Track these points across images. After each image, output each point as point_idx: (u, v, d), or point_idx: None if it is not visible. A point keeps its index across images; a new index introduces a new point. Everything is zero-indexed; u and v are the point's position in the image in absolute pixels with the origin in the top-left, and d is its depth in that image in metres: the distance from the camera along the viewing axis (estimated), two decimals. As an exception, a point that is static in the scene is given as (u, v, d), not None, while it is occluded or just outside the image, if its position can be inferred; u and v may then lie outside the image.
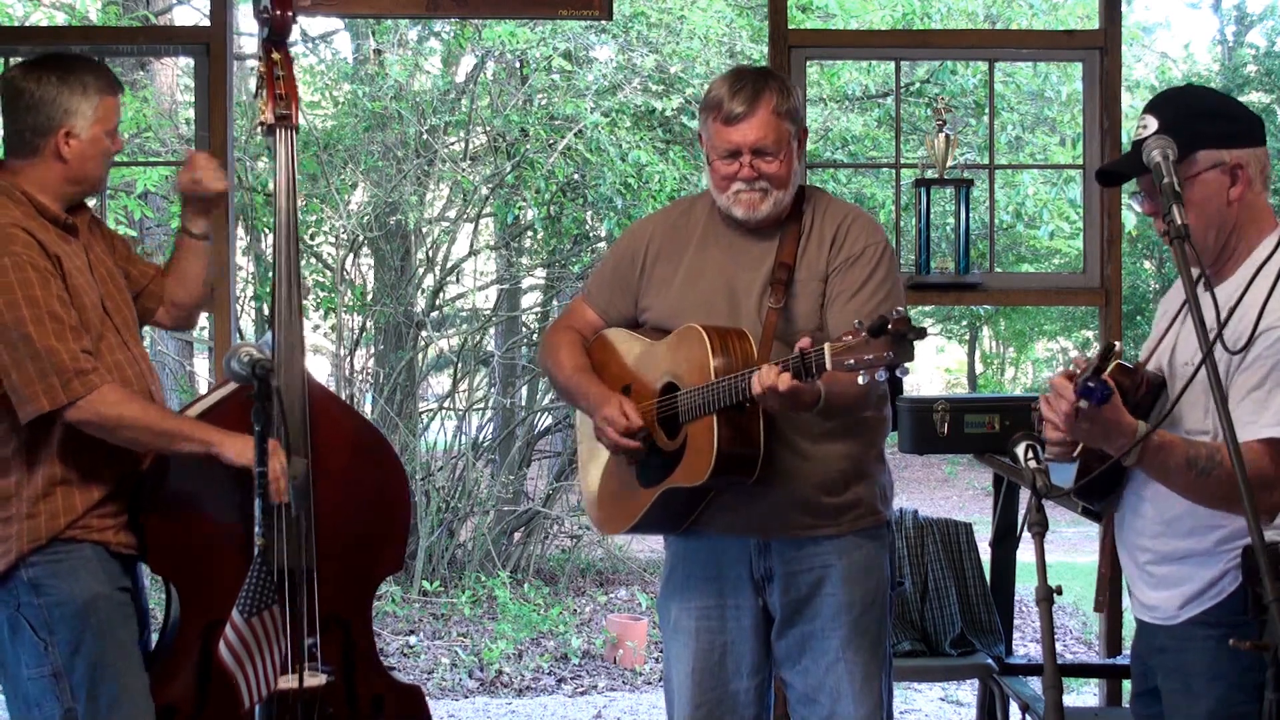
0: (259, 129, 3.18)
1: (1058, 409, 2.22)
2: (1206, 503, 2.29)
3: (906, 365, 2.36)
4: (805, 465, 2.78)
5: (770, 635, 2.91)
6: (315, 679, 2.90)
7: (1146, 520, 2.43)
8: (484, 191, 9.10)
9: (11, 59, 4.38)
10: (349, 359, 9.05)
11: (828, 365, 2.39)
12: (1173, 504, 2.37)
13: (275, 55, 3.13)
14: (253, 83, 3.20)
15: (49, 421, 2.72)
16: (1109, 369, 2.21)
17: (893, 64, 5.91)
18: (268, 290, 8.50)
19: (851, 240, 2.83)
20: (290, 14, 3.16)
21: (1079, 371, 2.20)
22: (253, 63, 3.22)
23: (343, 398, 8.73)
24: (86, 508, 2.79)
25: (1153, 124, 2.36)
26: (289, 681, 2.82)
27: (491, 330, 9.78)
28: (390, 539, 3.12)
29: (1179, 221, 2.04)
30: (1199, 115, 2.37)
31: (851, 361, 2.36)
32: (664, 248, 2.95)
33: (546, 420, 9.68)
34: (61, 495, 2.77)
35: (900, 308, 2.38)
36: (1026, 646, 6.88)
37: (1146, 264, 14.04)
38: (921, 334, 2.33)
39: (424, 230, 9.07)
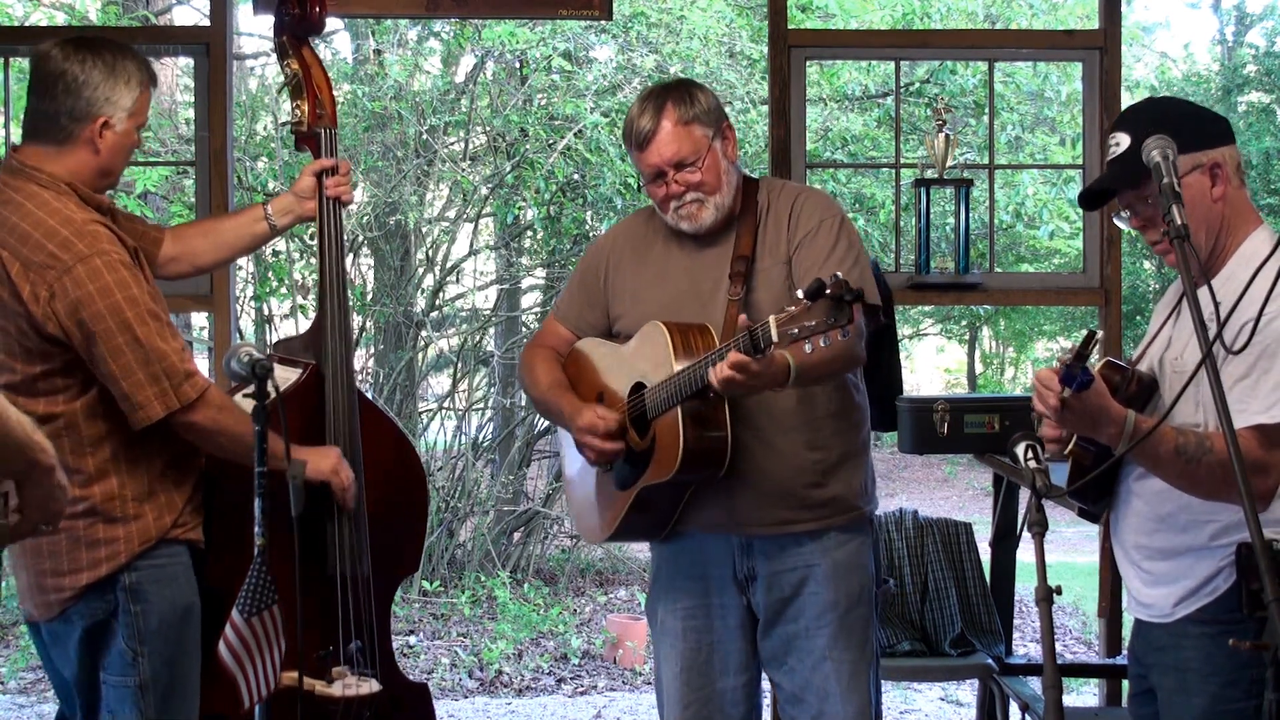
0: (300, 128, 3.06)
1: (1046, 402, 2.23)
2: (1198, 491, 2.30)
3: (848, 328, 2.33)
4: (779, 457, 2.79)
5: (756, 634, 2.92)
6: (368, 685, 2.89)
7: (1140, 517, 2.44)
8: (484, 191, 9.10)
9: (12, 59, 4.38)
10: (349, 359, 9.03)
11: (774, 337, 2.38)
12: (1166, 500, 2.38)
13: (306, 54, 3.08)
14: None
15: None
16: (1099, 363, 2.22)
17: (892, 64, 5.92)
18: (268, 291, 8.52)
19: (807, 216, 2.84)
20: (322, 9, 3.08)
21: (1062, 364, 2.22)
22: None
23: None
24: (184, 501, 2.70)
25: (1125, 140, 2.39)
26: (343, 689, 2.82)
27: (491, 330, 9.78)
28: (413, 539, 3.16)
29: (1179, 221, 2.03)
30: (1168, 123, 2.36)
31: (795, 330, 2.34)
32: (627, 256, 2.97)
33: (546, 420, 9.68)
34: (163, 492, 2.67)
35: (838, 273, 2.36)
36: (1026, 646, 6.88)
37: (1146, 264, 14.04)
38: (858, 296, 2.32)
39: (424, 230, 9.07)
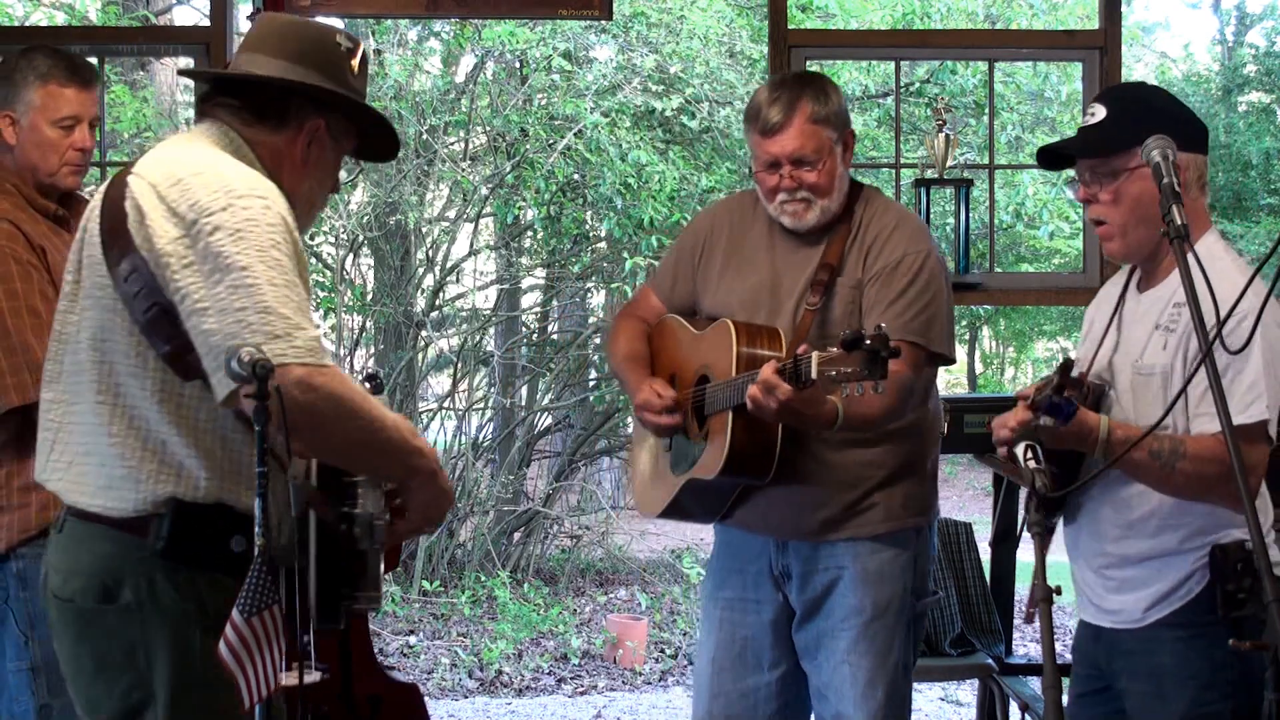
0: None
1: (1013, 419, 2.28)
2: (1175, 495, 2.31)
3: (881, 383, 2.32)
4: (825, 473, 2.77)
5: (791, 629, 2.92)
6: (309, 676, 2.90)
7: (1107, 525, 2.44)
8: (484, 191, 9.10)
9: (11, 59, 4.38)
10: (349, 359, 9.04)
11: (813, 374, 2.37)
12: (1135, 506, 2.38)
13: None
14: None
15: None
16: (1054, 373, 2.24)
17: (893, 64, 5.92)
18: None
19: (890, 249, 2.78)
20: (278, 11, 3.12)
21: (1036, 392, 2.24)
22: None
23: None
24: None
25: (1101, 112, 2.41)
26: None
27: (491, 330, 9.77)
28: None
29: (1179, 221, 2.03)
30: (1146, 112, 2.40)
31: (834, 373, 2.33)
32: (723, 240, 2.96)
33: (546, 420, 9.68)
34: None
35: (883, 324, 2.34)
36: (1026, 646, 6.88)
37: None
38: (895, 354, 2.31)
39: (424, 230, 9.06)
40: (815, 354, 2.37)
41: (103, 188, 2.12)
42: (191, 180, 1.99)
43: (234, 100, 2.15)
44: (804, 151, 2.74)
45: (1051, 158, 2.56)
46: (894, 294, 2.73)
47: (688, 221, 3.34)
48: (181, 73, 2.38)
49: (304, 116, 2.15)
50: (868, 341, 2.28)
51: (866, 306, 2.76)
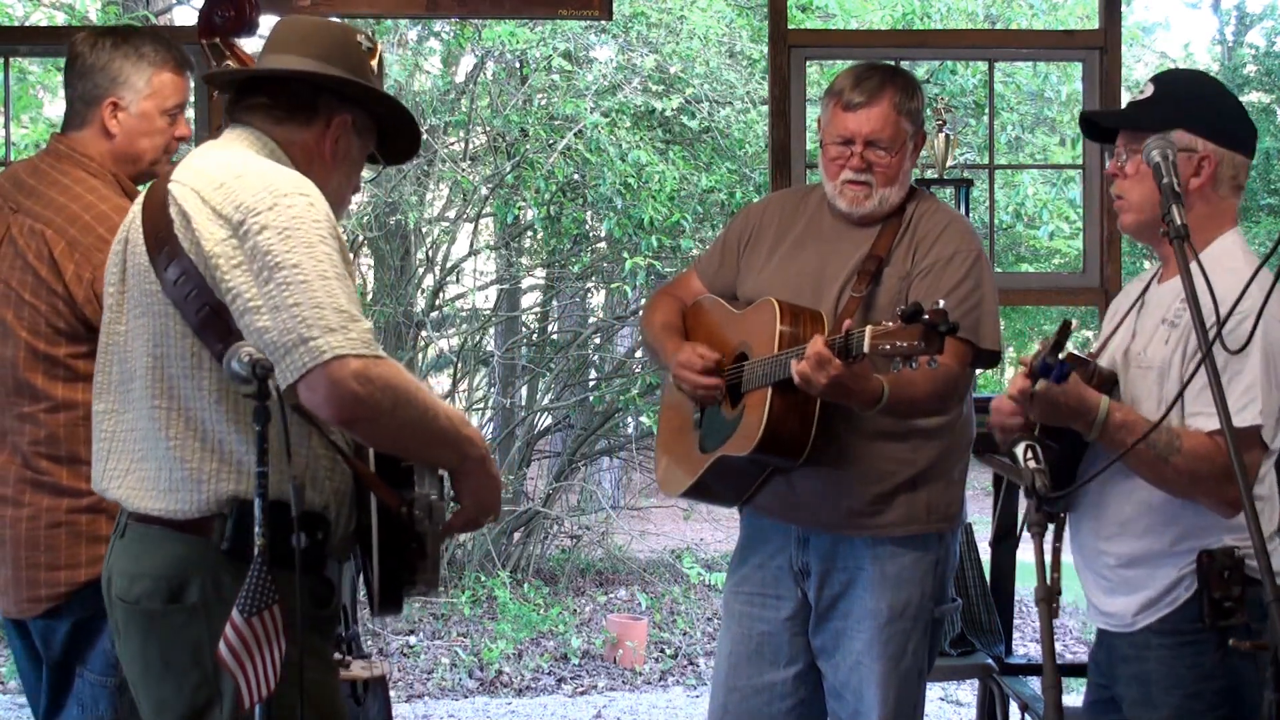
0: None
1: (1012, 388, 2.26)
2: (1167, 489, 2.29)
3: (936, 359, 2.35)
4: (853, 463, 2.77)
5: (809, 627, 2.92)
6: (378, 668, 2.99)
7: (1100, 521, 2.43)
8: (484, 191, 9.10)
9: (11, 59, 4.39)
10: (349, 359, 9.03)
11: (866, 348, 2.38)
12: (1126, 503, 2.37)
13: (240, 53, 3.03)
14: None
15: None
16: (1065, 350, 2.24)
17: (892, 64, 5.92)
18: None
19: (941, 245, 2.80)
20: (254, 8, 3.04)
21: (1038, 351, 2.23)
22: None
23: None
24: None
25: (1150, 90, 2.42)
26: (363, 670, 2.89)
27: (491, 330, 9.78)
28: None
29: (1179, 221, 2.04)
30: (1193, 98, 2.40)
31: (888, 347, 2.35)
32: (772, 228, 2.97)
33: (546, 420, 9.67)
34: None
35: (941, 301, 2.34)
36: (1026, 646, 6.88)
37: (1146, 264, 14.05)
38: (954, 329, 2.33)
39: (424, 230, 9.06)
40: (869, 327, 2.38)
41: (140, 198, 2.16)
42: (234, 183, 2.03)
43: (263, 99, 2.21)
44: (880, 135, 2.77)
45: (1095, 128, 2.58)
46: (944, 290, 2.75)
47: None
48: (207, 78, 2.32)
49: (332, 111, 2.21)
50: (926, 315, 2.29)
51: (915, 299, 2.75)
